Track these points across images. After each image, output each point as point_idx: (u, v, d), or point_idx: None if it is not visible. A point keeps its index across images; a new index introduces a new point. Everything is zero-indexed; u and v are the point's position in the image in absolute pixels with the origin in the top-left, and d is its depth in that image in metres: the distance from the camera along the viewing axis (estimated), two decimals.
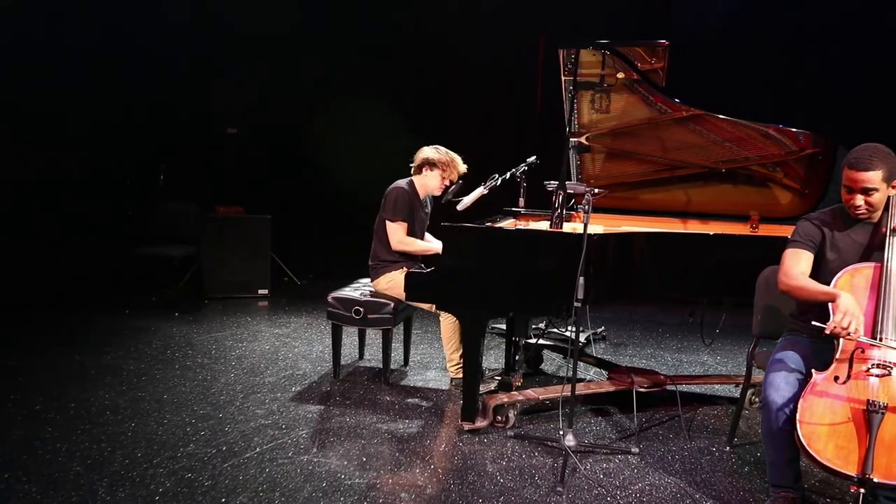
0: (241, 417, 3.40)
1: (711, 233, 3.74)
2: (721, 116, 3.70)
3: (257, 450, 3.04)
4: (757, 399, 3.58)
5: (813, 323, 2.38)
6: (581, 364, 4.24)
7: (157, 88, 6.58)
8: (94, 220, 6.38)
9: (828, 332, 2.34)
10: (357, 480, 2.80)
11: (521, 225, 4.02)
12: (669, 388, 3.67)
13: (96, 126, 6.33)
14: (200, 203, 6.14)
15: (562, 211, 3.41)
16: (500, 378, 3.95)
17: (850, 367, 2.35)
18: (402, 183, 3.92)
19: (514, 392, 3.53)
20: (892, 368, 2.32)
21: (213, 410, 3.47)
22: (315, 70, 6.87)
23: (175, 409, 3.48)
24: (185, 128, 6.70)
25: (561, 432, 3.06)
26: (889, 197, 2.55)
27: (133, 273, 6.12)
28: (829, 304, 2.43)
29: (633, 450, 3.16)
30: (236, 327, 5.09)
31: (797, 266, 2.63)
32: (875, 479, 2.18)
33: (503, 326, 4.61)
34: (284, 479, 2.79)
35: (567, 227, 3.50)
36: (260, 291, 6.04)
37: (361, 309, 3.82)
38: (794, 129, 3.65)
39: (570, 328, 4.70)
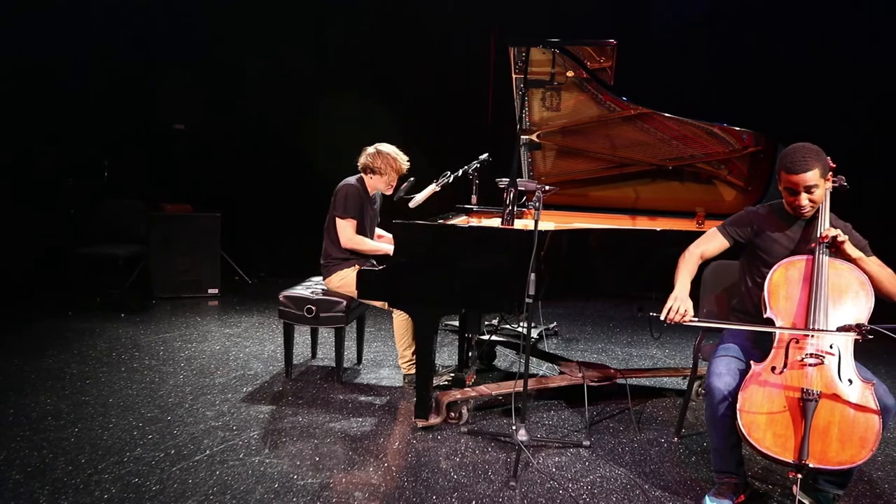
0: (191, 419, 3.33)
1: (659, 229, 3.82)
2: (667, 115, 3.78)
3: (207, 452, 2.99)
4: (702, 390, 3.67)
5: (651, 314, 2.57)
6: (533, 359, 4.28)
7: (101, 82, 6.38)
8: (34, 218, 6.14)
9: (662, 318, 2.54)
10: (310, 480, 2.77)
11: (474, 222, 4.03)
12: (620, 381, 3.75)
13: (36, 120, 6.10)
14: (146, 201, 5.98)
15: (513, 208, 3.44)
16: (453, 374, 3.97)
17: (787, 356, 2.44)
18: (351, 180, 3.89)
19: (468, 388, 3.54)
20: (824, 357, 2.42)
21: (161, 413, 3.39)
22: (266, 65, 6.76)
23: (121, 412, 3.39)
24: (131, 123, 6.52)
25: (514, 427, 3.09)
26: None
27: (76, 273, 5.92)
28: (765, 297, 2.60)
29: (584, 443, 3.21)
30: (185, 328, 4.98)
31: (703, 245, 2.86)
32: (810, 465, 2.28)
33: (456, 323, 4.63)
34: (235, 481, 2.74)
35: (518, 224, 3.54)
36: (210, 291, 5.94)
37: (313, 307, 3.78)
38: (737, 128, 3.75)
39: (522, 324, 4.77)
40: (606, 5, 6.29)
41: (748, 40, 6.18)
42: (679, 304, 2.55)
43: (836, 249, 2.59)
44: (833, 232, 2.56)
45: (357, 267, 3.68)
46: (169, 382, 3.83)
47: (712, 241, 2.84)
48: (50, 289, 5.89)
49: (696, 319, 2.55)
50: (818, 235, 2.60)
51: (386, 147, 3.89)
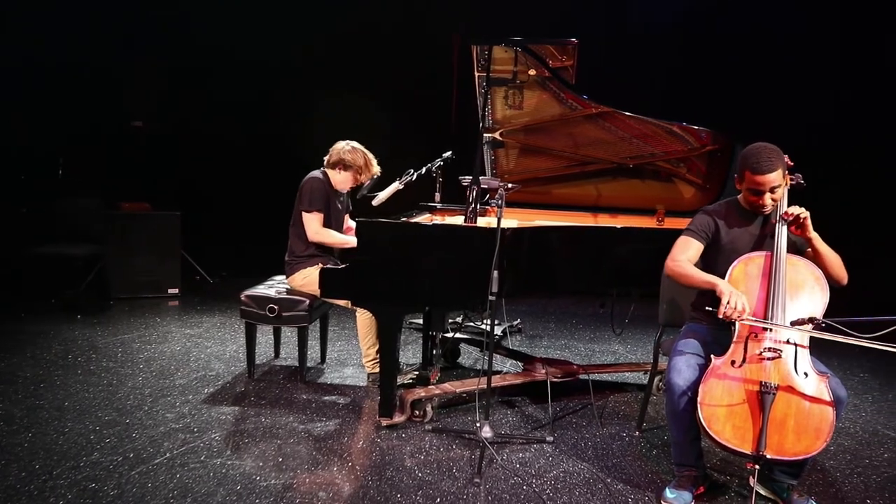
0: (150, 422, 3.27)
1: (619, 226, 3.87)
2: (628, 113, 3.83)
3: (167, 455, 2.93)
4: (663, 384, 3.73)
5: (707, 308, 2.51)
6: (497, 357, 4.31)
7: (57, 75, 6.20)
8: None
9: (720, 316, 2.47)
10: (273, 482, 2.74)
11: (438, 220, 4.03)
12: (582, 377, 3.79)
13: None
14: (104, 200, 5.85)
15: (476, 205, 3.45)
16: (417, 373, 3.97)
17: (746, 350, 2.49)
18: (316, 173, 3.86)
19: (432, 386, 3.55)
20: (782, 351, 2.48)
21: (119, 416, 3.32)
22: (230, 62, 6.65)
23: (77, 416, 3.30)
24: (87, 120, 6.36)
25: (478, 424, 3.10)
26: None
27: (30, 274, 5.77)
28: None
29: (547, 439, 3.24)
30: (144, 328, 4.89)
31: (685, 252, 2.78)
32: (768, 456, 2.34)
33: (420, 321, 4.63)
34: (196, 484, 2.70)
35: (482, 222, 3.55)
36: (170, 291, 5.84)
37: (276, 307, 3.74)
38: (696, 127, 3.82)
39: (486, 321, 4.79)
40: (571, 4, 6.33)
41: (710, 41, 6.29)
42: (737, 301, 2.45)
43: (796, 228, 2.64)
44: (797, 210, 2.61)
45: (320, 265, 3.64)
46: (127, 384, 3.75)
47: (691, 248, 2.79)
48: (1, 290, 5.71)
49: (752, 319, 2.49)
50: (781, 213, 2.64)
51: (359, 146, 3.88)
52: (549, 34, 3.82)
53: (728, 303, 2.45)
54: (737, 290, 2.52)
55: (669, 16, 6.25)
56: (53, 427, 3.17)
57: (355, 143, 3.88)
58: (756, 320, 2.51)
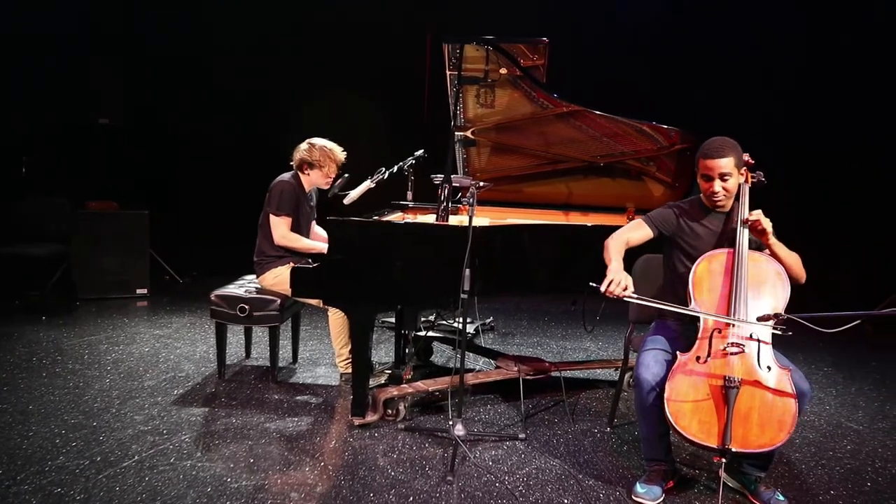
0: (118, 425, 3.22)
1: (590, 224, 3.91)
2: (598, 112, 3.86)
3: (136, 458, 2.89)
4: (633, 381, 3.78)
5: (591, 283, 2.58)
6: (470, 354, 4.32)
7: (19, 71, 6.05)
8: None
9: (602, 291, 2.54)
10: (244, 483, 2.72)
11: (410, 218, 4.03)
12: (554, 374, 3.82)
13: None
14: (70, 198, 5.74)
15: (447, 204, 3.46)
16: (390, 371, 3.96)
17: (710, 346, 2.53)
18: (286, 176, 3.84)
19: (405, 385, 3.54)
20: (745, 346, 2.52)
21: (85, 419, 3.26)
22: (199, 58, 6.56)
23: (42, 419, 3.24)
24: (52, 116, 6.21)
25: (450, 422, 3.11)
26: (739, 186, 2.76)
27: None
28: (690, 289, 2.68)
29: (520, 436, 3.26)
30: (112, 329, 4.81)
31: (627, 231, 2.89)
32: (733, 449, 2.39)
33: (392, 320, 4.62)
34: (166, 486, 2.67)
35: (454, 220, 3.56)
36: (138, 291, 5.76)
37: (247, 306, 3.71)
38: (665, 126, 3.86)
39: (458, 320, 4.79)
40: (544, 3, 6.35)
41: (685, 40, 6.35)
42: (620, 278, 2.56)
43: (756, 233, 2.68)
44: (759, 216, 2.65)
45: (291, 264, 3.62)
46: (94, 387, 3.69)
47: (638, 230, 2.89)
48: None
49: (635, 296, 2.55)
50: (742, 218, 2.69)
51: (319, 140, 3.86)
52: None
53: (612, 280, 2.54)
54: (623, 273, 2.60)
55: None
56: (17, 431, 3.10)
57: (313, 139, 3.86)
58: (641, 298, 2.57)
